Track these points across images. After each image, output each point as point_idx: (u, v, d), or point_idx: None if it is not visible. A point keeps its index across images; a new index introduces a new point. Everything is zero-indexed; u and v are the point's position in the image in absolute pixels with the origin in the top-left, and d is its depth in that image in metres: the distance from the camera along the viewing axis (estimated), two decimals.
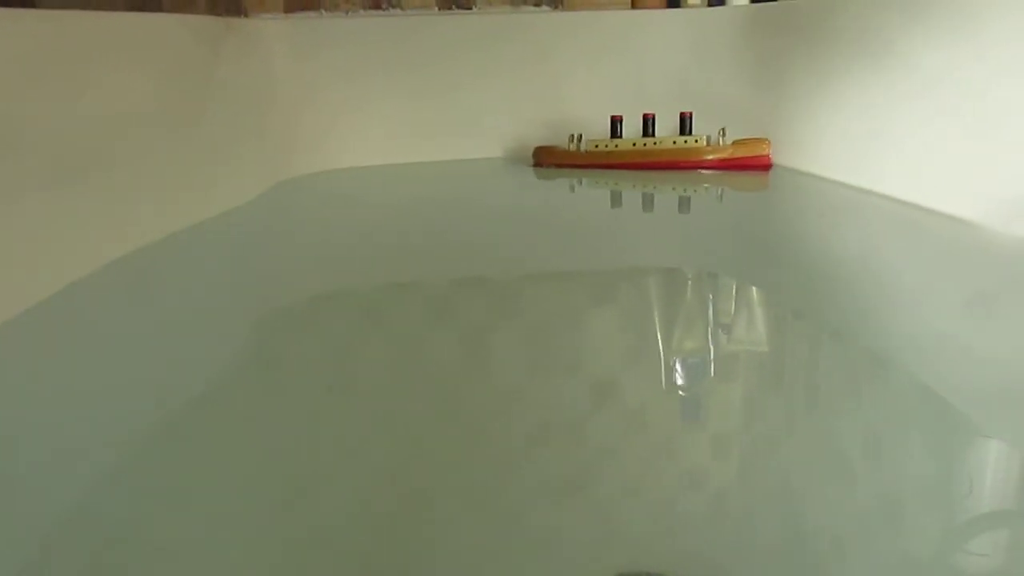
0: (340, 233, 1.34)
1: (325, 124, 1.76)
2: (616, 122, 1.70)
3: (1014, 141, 1.11)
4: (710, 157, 1.61)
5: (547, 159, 1.76)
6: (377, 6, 1.93)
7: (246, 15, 1.85)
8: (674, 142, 1.63)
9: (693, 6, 1.92)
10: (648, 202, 1.61)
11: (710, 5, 1.94)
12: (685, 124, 1.64)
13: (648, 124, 1.66)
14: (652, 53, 1.89)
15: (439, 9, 1.95)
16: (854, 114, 1.46)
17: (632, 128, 1.72)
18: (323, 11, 1.91)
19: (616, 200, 1.65)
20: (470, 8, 1.96)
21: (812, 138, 1.54)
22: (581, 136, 1.72)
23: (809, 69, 1.60)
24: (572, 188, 1.71)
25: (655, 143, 1.65)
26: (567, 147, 1.73)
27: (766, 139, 1.61)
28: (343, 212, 1.49)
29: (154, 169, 1.19)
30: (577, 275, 1.10)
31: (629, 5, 1.95)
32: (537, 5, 1.98)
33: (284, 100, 1.72)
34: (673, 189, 1.61)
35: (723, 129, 1.62)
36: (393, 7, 1.94)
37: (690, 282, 1.09)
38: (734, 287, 1.07)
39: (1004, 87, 1.14)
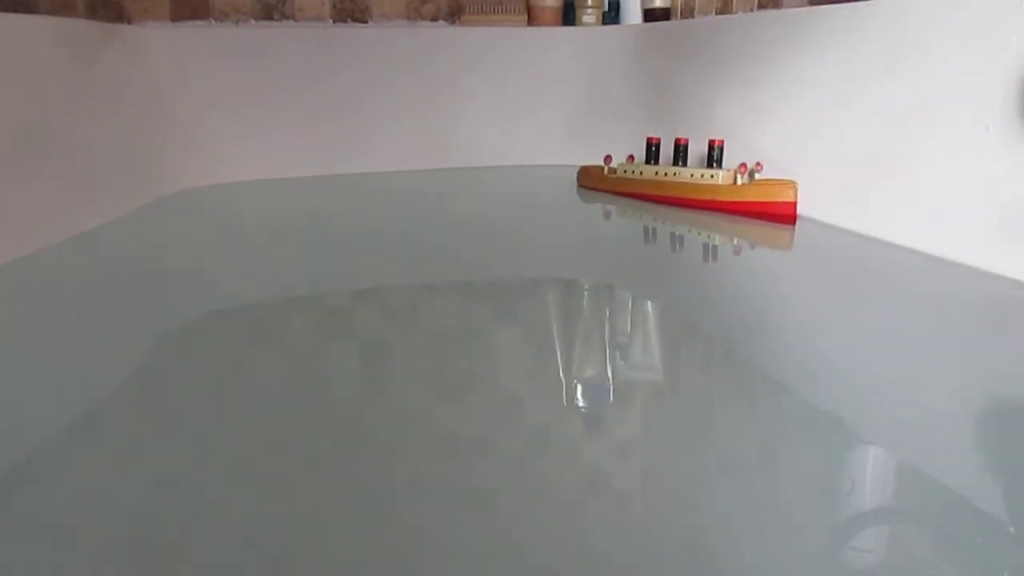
0: (211, 249, 1.26)
1: (213, 136, 1.70)
2: (652, 145, 1.51)
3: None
4: (725, 199, 1.37)
5: (583, 180, 1.65)
6: (269, 16, 1.88)
7: (130, 22, 1.78)
8: (691, 175, 1.42)
9: (587, 24, 1.95)
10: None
11: (604, 23, 1.97)
12: (713, 155, 1.39)
13: (679, 151, 1.46)
14: (548, 69, 1.91)
15: (334, 21, 1.92)
16: (746, 127, 1.50)
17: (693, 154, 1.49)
18: (212, 20, 1.85)
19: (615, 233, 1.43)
20: (366, 21, 1.94)
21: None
22: (633, 157, 1.57)
23: (698, 84, 1.64)
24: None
25: (675, 174, 1.45)
26: (602, 169, 1.58)
27: (791, 182, 1.30)
28: (217, 228, 1.41)
29: (4, 184, 1.11)
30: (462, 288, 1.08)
31: (525, 22, 1.96)
32: (434, 20, 1.97)
33: (168, 111, 1.66)
34: (688, 230, 1.35)
35: (751, 164, 1.35)
36: (286, 18, 1.90)
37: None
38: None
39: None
